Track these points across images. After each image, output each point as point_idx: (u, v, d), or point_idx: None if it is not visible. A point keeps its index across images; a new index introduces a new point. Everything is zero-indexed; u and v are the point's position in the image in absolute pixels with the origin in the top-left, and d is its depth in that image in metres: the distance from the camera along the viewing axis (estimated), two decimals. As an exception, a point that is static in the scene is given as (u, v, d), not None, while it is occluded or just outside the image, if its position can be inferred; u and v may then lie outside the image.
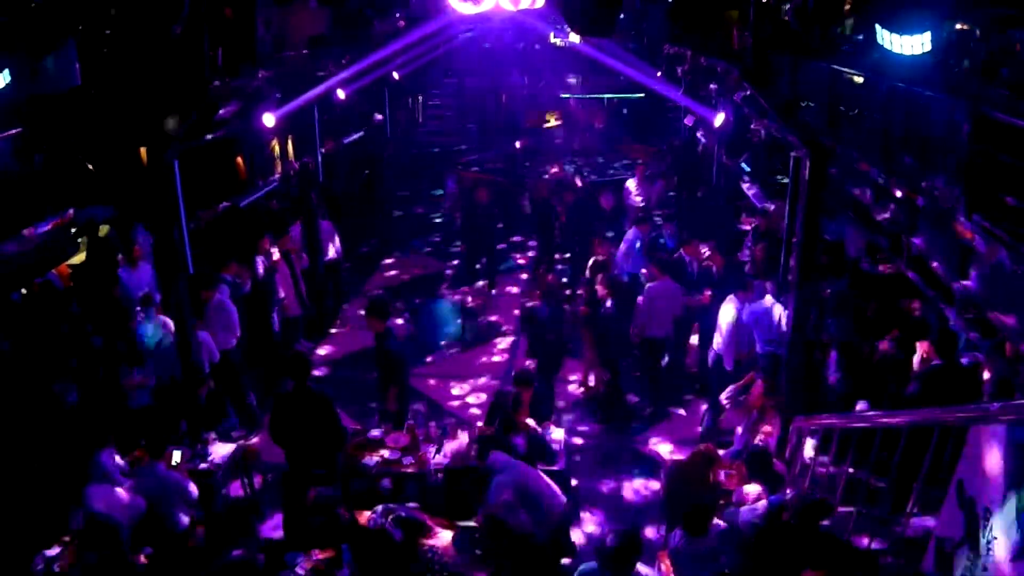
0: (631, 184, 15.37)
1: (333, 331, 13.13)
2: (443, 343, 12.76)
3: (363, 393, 10.64)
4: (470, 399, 10.99)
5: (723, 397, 8.67)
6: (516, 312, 13.42)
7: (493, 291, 14.59)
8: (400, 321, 9.80)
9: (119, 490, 6.85)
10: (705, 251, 11.23)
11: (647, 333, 10.30)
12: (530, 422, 7.89)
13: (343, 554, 6.24)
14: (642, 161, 16.90)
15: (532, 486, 6.66)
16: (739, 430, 8.34)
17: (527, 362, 10.07)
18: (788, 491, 6.42)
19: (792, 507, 5.98)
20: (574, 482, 8.62)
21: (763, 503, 6.32)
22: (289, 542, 7.43)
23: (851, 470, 6.55)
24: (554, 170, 16.48)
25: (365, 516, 6.46)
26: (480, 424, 8.69)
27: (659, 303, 10.20)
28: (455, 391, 11.28)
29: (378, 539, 6.12)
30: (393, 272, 15.84)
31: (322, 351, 12.45)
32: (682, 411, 10.77)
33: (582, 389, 11.14)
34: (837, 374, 8.96)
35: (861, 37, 9.78)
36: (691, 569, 6.02)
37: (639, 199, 15.13)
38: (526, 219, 16.16)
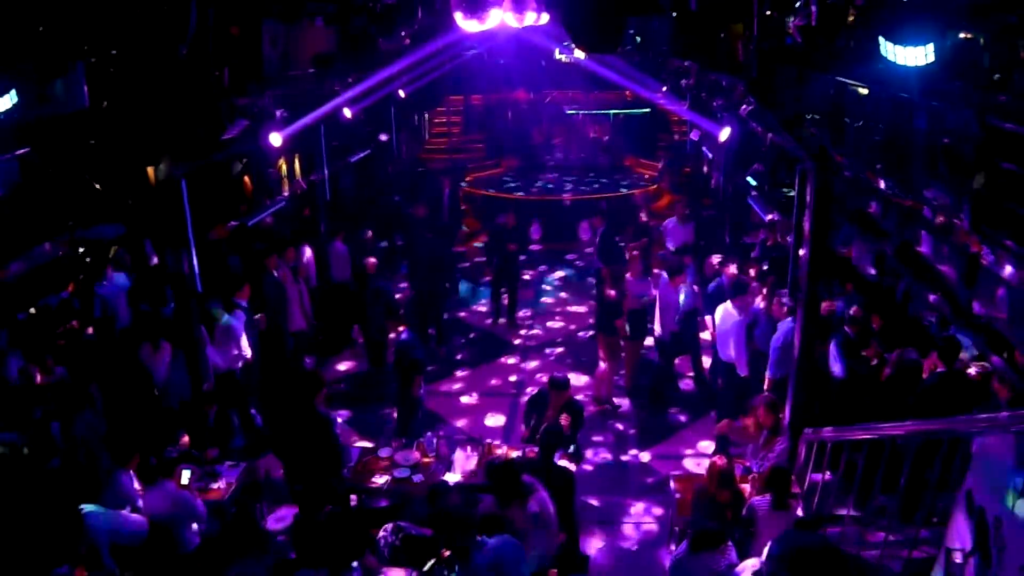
0: (669, 224, 14.82)
1: (345, 349, 13.16)
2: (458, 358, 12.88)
3: (373, 411, 10.67)
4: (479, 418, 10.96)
5: (724, 429, 8.60)
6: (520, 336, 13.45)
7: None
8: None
9: (117, 514, 6.84)
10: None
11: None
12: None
13: (354, 572, 6.23)
14: (680, 201, 16.45)
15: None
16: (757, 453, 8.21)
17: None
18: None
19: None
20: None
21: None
22: (300, 559, 7.42)
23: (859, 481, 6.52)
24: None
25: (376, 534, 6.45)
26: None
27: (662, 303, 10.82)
28: (465, 400, 11.45)
29: None
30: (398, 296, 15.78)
31: (332, 368, 12.49)
32: (688, 420, 10.83)
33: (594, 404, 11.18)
34: (839, 362, 8.86)
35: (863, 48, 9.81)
36: None
37: (671, 245, 14.50)
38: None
